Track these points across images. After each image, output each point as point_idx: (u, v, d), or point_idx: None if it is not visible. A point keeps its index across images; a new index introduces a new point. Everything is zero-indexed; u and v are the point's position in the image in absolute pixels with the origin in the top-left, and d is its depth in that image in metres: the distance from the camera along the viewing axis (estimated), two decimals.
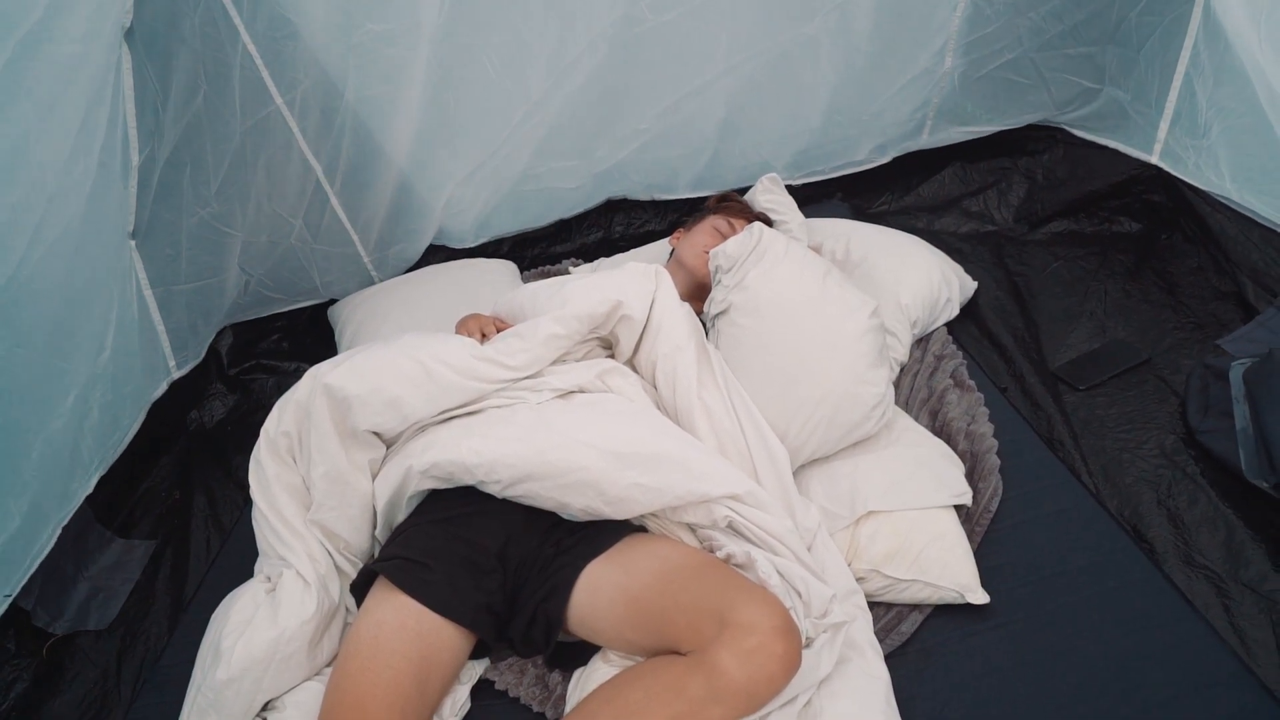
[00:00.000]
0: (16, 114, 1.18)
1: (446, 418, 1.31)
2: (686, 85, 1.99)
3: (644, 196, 2.23)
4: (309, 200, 1.88)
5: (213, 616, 1.22)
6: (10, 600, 1.32)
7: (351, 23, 1.65)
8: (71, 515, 1.49)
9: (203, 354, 1.92)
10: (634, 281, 1.45)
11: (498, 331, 1.50)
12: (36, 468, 1.37)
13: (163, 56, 1.52)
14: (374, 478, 1.30)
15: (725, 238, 1.69)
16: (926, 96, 2.14)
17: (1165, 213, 1.99)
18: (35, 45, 1.17)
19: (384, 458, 1.32)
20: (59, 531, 1.45)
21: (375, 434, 1.29)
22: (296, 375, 1.96)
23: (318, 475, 1.25)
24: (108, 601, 1.45)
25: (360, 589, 1.21)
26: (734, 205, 1.89)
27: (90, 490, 1.54)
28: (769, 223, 1.86)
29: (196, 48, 1.55)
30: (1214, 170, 1.82)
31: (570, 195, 2.17)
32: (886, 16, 1.96)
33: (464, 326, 1.56)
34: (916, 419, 1.59)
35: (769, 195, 1.93)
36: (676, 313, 1.45)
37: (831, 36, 1.98)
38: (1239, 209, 1.78)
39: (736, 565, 1.19)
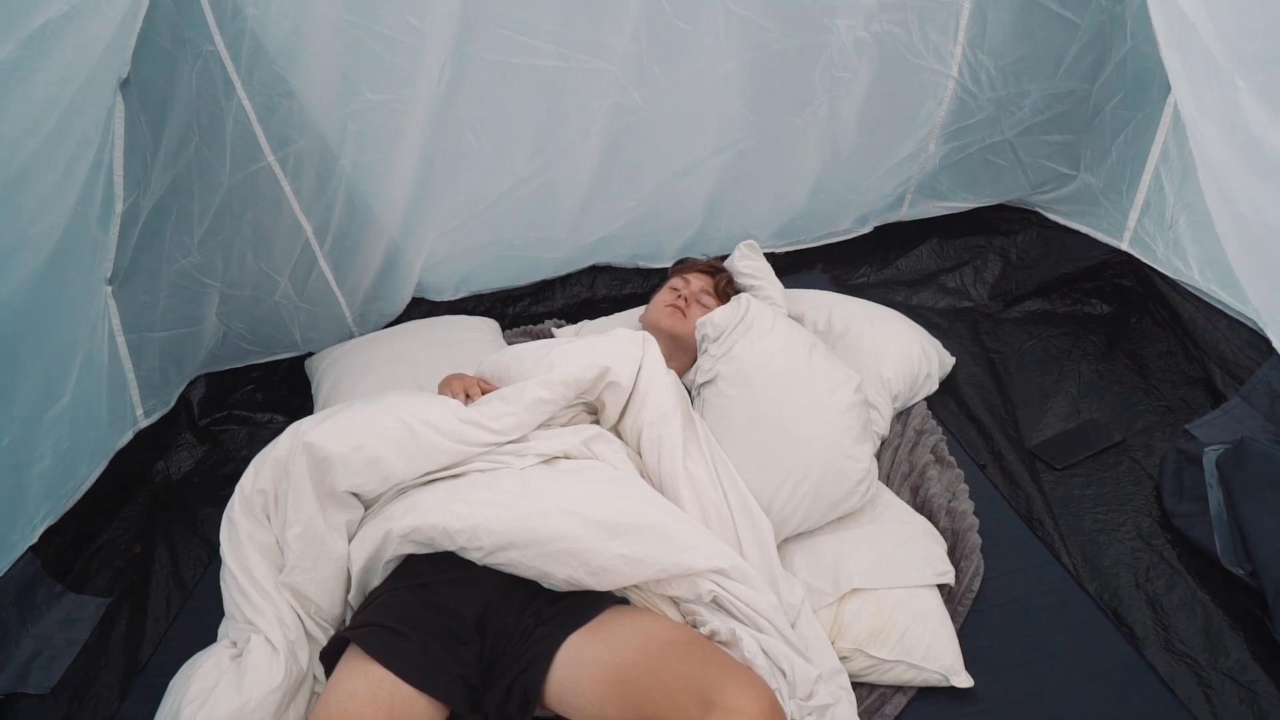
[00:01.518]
0: None
1: (429, 480, 1.29)
2: (675, 166, 2.05)
3: (628, 265, 2.27)
4: (296, 259, 1.88)
5: (172, 682, 1.16)
6: None
7: (351, 90, 1.68)
8: (10, 566, 1.41)
9: (172, 403, 1.88)
10: (621, 348, 1.46)
11: (482, 393, 1.49)
12: None
13: (157, 108, 1.52)
14: (350, 540, 1.27)
15: (679, 293, 1.78)
16: (908, 175, 2.23)
17: (1135, 297, 2.07)
18: (22, 86, 1.17)
19: (361, 519, 1.29)
20: None
21: (354, 495, 1.27)
22: (270, 427, 1.97)
23: (293, 536, 1.22)
24: (51, 662, 1.36)
25: (331, 656, 1.16)
26: (689, 263, 1.97)
27: (34, 541, 1.48)
28: (728, 278, 1.92)
29: (191, 99, 1.56)
30: (1181, 260, 1.90)
31: (554, 261, 2.20)
32: (874, 109, 2.06)
33: (447, 386, 1.54)
34: (898, 494, 1.60)
35: (747, 261, 1.96)
36: (662, 380, 1.46)
37: (819, 128, 2.07)
38: (1206, 298, 1.85)
39: (721, 642, 1.17)
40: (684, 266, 1.96)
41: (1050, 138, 2.11)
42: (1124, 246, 2.07)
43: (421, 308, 2.16)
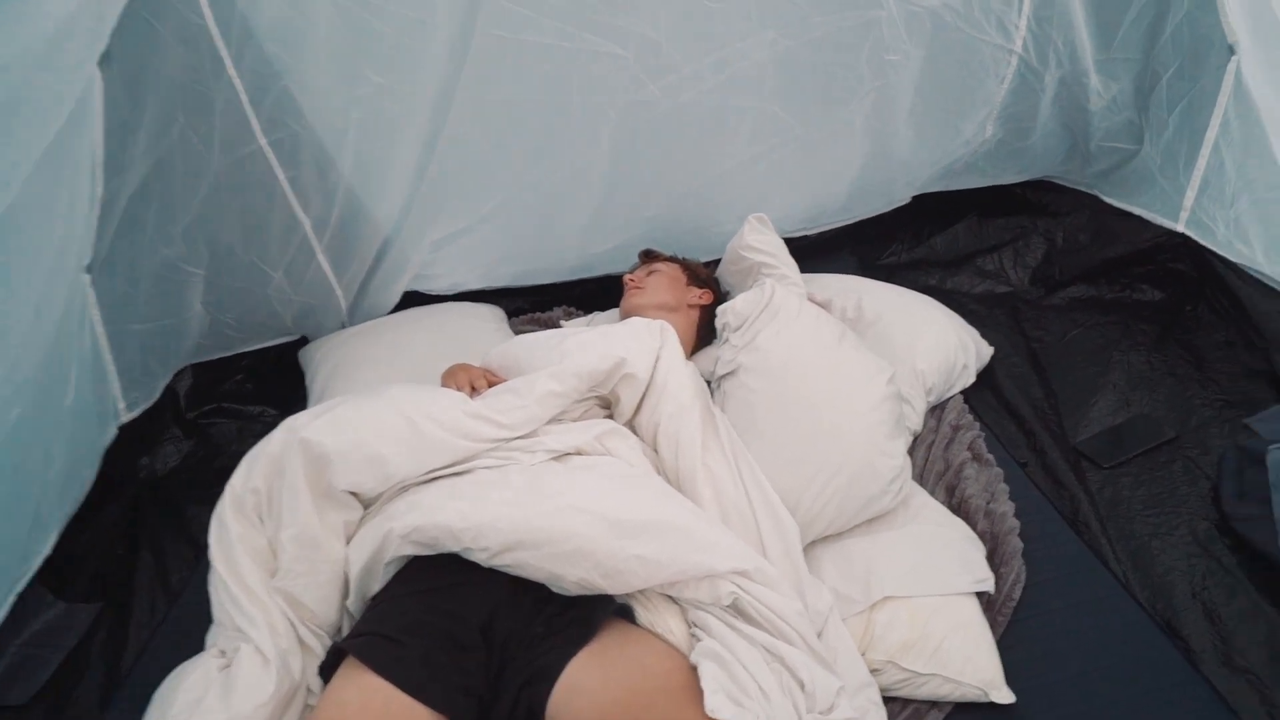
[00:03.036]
0: None
1: (432, 478, 1.28)
2: (705, 173, 1.98)
3: None
4: (293, 253, 1.85)
5: (156, 694, 1.16)
6: None
7: (354, 73, 1.63)
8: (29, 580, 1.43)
9: (157, 395, 1.87)
10: (638, 338, 1.45)
11: (489, 385, 1.48)
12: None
13: (138, 84, 1.49)
14: (348, 542, 1.26)
15: (633, 281, 1.81)
16: (958, 158, 2.18)
17: (1190, 282, 2.02)
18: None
19: (360, 520, 1.28)
20: (13, 599, 1.39)
21: (353, 494, 1.26)
22: (261, 420, 1.96)
23: (287, 538, 1.21)
24: (34, 671, 1.37)
25: (329, 670, 1.15)
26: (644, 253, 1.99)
27: (49, 552, 1.48)
28: (696, 264, 1.92)
29: (176, 77, 1.53)
30: (1244, 242, 1.85)
31: (561, 269, 2.16)
32: (928, 93, 1.99)
33: (452, 378, 1.53)
34: (932, 494, 1.58)
35: (758, 236, 1.90)
36: (681, 373, 1.45)
37: (865, 118, 2.00)
38: (1273, 284, 1.80)
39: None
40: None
41: (1111, 118, 2.03)
42: (1180, 228, 2.02)
43: (416, 298, 2.14)
